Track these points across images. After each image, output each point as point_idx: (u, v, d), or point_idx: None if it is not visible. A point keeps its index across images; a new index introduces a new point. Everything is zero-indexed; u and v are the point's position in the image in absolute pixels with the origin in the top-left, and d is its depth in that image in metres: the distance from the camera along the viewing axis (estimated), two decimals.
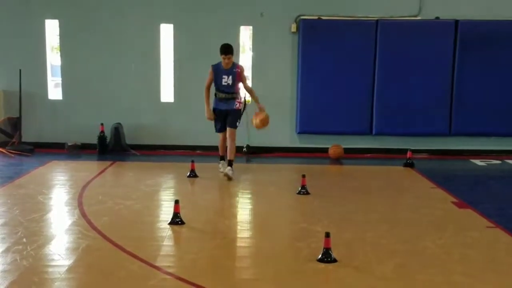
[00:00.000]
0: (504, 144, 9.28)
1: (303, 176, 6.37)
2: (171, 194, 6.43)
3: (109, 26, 9.03)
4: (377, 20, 8.92)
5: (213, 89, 7.26)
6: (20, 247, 4.39)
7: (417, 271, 4.07)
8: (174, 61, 9.20)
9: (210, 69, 7.17)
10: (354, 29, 8.94)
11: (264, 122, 7.16)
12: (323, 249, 4.18)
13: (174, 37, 9.13)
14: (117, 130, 8.93)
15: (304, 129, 9.15)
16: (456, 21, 8.89)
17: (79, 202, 5.79)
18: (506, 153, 9.20)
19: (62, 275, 3.87)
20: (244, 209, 6.02)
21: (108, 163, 8.09)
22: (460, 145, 9.27)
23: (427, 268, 4.12)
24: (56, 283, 3.74)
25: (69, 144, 8.97)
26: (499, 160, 8.89)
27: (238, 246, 4.67)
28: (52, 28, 9.25)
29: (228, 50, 6.94)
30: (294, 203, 6.16)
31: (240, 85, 7.16)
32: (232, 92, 7.11)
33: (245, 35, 9.54)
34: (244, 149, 8.95)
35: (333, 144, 8.89)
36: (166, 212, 5.45)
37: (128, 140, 9.08)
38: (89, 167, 7.85)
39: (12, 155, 8.42)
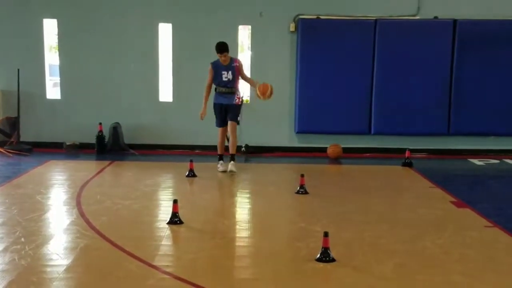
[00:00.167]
0: (502, 143, 9.29)
1: (302, 175, 6.37)
2: (170, 194, 6.42)
3: (108, 26, 9.02)
4: (375, 20, 8.93)
5: (213, 86, 7.45)
6: (19, 246, 4.38)
7: (416, 270, 4.07)
8: (172, 60, 9.20)
9: (209, 67, 7.35)
10: (352, 28, 8.94)
11: (268, 92, 7.17)
12: (322, 248, 4.17)
13: (173, 37, 9.12)
14: (116, 129, 8.92)
15: (302, 129, 9.15)
16: (455, 21, 8.89)
17: (78, 202, 5.78)
18: (504, 152, 9.21)
19: (61, 275, 3.86)
20: (243, 208, 6.01)
21: (107, 162, 8.08)
22: (458, 144, 9.28)
23: (426, 267, 4.12)
24: (54, 283, 3.73)
25: (68, 143, 8.96)
26: (498, 159, 8.89)
27: (237, 246, 4.66)
28: (50, 27, 9.23)
29: (222, 48, 7.15)
30: (293, 203, 6.15)
31: (240, 80, 7.37)
32: (233, 87, 7.32)
33: (244, 34, 9.54)
34: (243, 148, 8.94)
35: (332, 143, 8.89)
36: (164, 211, 5.44)
37: (127, 140, 9.07)
38: (87, 166, 7.84)
39: (11, 155, 8.41)
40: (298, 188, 6.33)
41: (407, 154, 8.27)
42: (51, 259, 4.18)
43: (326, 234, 4.18)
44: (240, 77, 7.40)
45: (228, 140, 7.62)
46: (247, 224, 5.34)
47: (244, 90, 8.24)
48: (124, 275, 3.89)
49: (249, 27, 9.21)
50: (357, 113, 9.05)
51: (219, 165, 7.53)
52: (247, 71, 8.43)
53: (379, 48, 8.91)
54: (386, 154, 9.08)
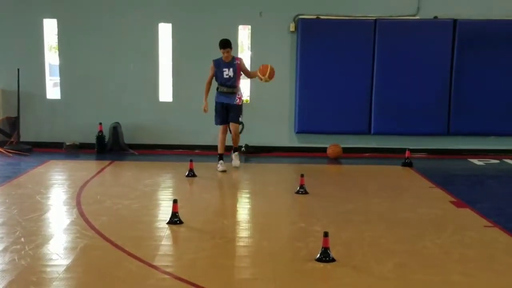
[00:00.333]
0: (502, 143, 9.29)
1: (302, 175, 6.37)
2: (170, 194, 6.42)
3: (108, 26, 9.02)
4: (375, 20, 8.93)
5: (215, 84, 7.62)
6: (18, 246, 4.38)
7: (415, 270, 4.07)
8: (172, 60, 9.20)
9: (211, 64, 7.56)
10: (352, 28, 8.94)
11: (268, 71, 7.35)
12: (322, 248, 4.18)
13: (172, 37, 9.12)
14: (116, 129, 8.92)
15: (302, 129, 9.15)
16: (455, 21, 8.89)
17: (78, 202, 5.78)
18: (504, 152, 9.21)
19: (61, 275, 3.87)
20: (242, 208, 6.02)
21: (107, 162, 8.08)
22: (458, 144, 9.28)
23: (426, 267, 4.12)
24: (54, 283, 3.74)
25: (68, 143, 8.96)
26: (498, 159, 8.90)
27: (236, 246, 4.66)
28: (50, 27, 9.24)
29: (226, 44, 7.40)
30: (293, 203, 6.16)
31: (242, 78, 7.59)
32: (233, 86, 7.48)
33: (244, 34, 9.54)
34: (243, 148, 8.94)
35: (332, 143, 8.89)
36: (164, 211, 5.45)
37: (127, 140, 9.07)
38: (87, 166, 7.84)
39: (10, 155, 8.41)
40: (298, 188, 6.33)
41: (407, 154, 8.27)
42: (51, 259, 4.18)
43: (326, 234, 4.19)
44: (243, 74, 7.60)
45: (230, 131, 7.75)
46: (247, 224, 5.34)
47: (244, 89, 8.26)
48: (124, 275, 3.90)
49: (249, 27, 9.21)
50: (357, 113, 9.05)
51: (219, 165, 7.54)
52: None
53: (379, 48, 8.92)
54: (386, 154, 9.08)
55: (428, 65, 8.93)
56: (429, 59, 8.92)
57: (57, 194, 6.33)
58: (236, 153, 7.85)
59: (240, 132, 8.28)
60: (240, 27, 9.21)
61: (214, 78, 7.61)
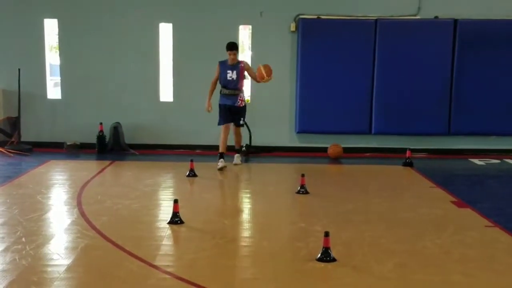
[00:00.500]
0: (503, 143, 9.29)
1: (302, 175, 6.37)
2: (170, 194, 6.42)
3: (109, 26, 9.03)
4: (376, 20, 8.93)
5: (218, 87, 7.83)
6: (19, 246, 4.38)
7: (416, 270, 4.07)
8: (173, 60, 9.20)
9: (217, 65, 7.78)
10: (353, 28, 8.94)
11: (266, 72, 7.57)
12: (322, 248, 4.18)
13: (173, 37, 9.13)
14: (116, 129, 8.93)
15: (303, 129, 9.15)
16: (455, 21, 8.89)
17: (78, 202, 5.78)
18: (505, 152, 9.21)
19: (61, 275, 3.87)
20: (243, 208, 6.02)
21: (107, 162, 8.08)
22: (459, 144, 9.28)
23: (426, 267, 4.12)
24: (55, 283, 3.74)
25: (68, 143, 8.97)
26: (499, 159, 8.89)
27: (237, 246, 4.66)
28: (51, 27, 9.24)
29: (233, 46, 7.67)
30: (293, 203, 6.16)
31: (245, 81, 7.85)
32: (235, 88, 7.70)
33: (245, 34, 9.54)
34: (243, 148, 8.94)
35: (332, 143, 8.89)
36: (165, 211, 5.45)
37: (127, 140, 9.08)
38: (88, 166, 7.85)
39: (11, 155, 8.41)
40: (299, 188, 6.33)
41: (407, 154, 8.27)
42: (52, 259, 4.19)
43: (326, 234, 4.19)
44: (248, 76, 7.90)
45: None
46: (247, 224, 5.35)
47: (245, 89, 8.28)
48: (125, 275, 3.90)
49: (250, 27, 9.22)
50: (358, 113, 9.05)
51: (219, 162, 7.58)
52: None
53: (380, 48, 8.91)
54: (387, 154, 9.08)
55: (428, 65, 8.93)
56: (430, 59, 8.92)
57: (58, 194, 6.34)
58: (238, 154, 8.01)
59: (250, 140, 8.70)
60: (241, 27, 9.21)
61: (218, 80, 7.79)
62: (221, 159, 7.64)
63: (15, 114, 8.96)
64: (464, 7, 8.96)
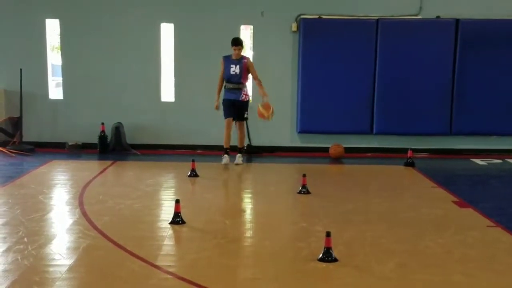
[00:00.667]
0: (505, 143, 9.28)
1: (304, 175, 6.37)
2: (172, 194, 6.43)
3: (110, 26, 9.04)
4: (377, 20, 8.92)
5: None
6: (21, 246, 4.39)
7: (417, 270, 4.07)
8: (174, 60, 9.21)
9: (221, 59, 7.93)
10: (354, 28, 8.94)
11: (269, 113, 7.78)
12: (324, 248, 4.18)
13: (174, 37, 9.14)
14: (118, 129, 8.94)
15: (304, 129, 9.15)
16: (457, 20, 8.88)
17: (80, 202, 5.79)
18: (507, 152, 9.20)
19: (63, 275, 3.88)
20: (244, 208, 6.03)
21: (109, 162, 8.09)
22: (460, 144, 9.27)
23: (427, 267, 4.12)
24: (57, 283, 3.75)
25: (70, 143, 8.98)
26: (500, 159, 8.88)
27: (238, 246, 4.66)
28: (52, 27, 9.26)
29: (237, 41, 7.89)
30: (295, 203, 6.16)
31: (249, 76, 7.99)
32: (239, 82, 7.87)
33: (246, 34, 9.55)
34: (245, 148, 8.94)
35: (334, 143, 8.89)
36: (166, 211, 5.45)
37: (129, 140, 9.09)
38: (89, 166, 7.86)
39: (13, 155, 8.43)
40: (300, 188, 6.33)
41: (409, 154, 8.27)
42: (54, 259, 4.19)
43: (328, 234, 4.19)
44: (249, 75, 7.97)
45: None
46: (249, 224, 5.35)
47: (248, 88, 8.31)
48: (127, 275, 3.90)
49: (251, 27, 9.23)
50: (359, 113, 9.05)
51: (223, 158, 7.76)
52: None
53: (381, 48, 8.91)
54: (388, 154, 9.08)
55: (430, 65, 8.93)
56: (431, 59, 8.92)
57: (60, 194, 6.35)
58: (240, 154, 8.05)
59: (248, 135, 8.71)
60: (242, 27, 9.22)
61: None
62: (225, 155, 7.83)
63: (17, 114, 8.98)
64: (465, 7, 8.95)
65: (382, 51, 8.92)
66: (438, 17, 8.99)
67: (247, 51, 9.64)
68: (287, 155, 9.07)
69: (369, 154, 9.17)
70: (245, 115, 8.06)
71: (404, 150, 8.51)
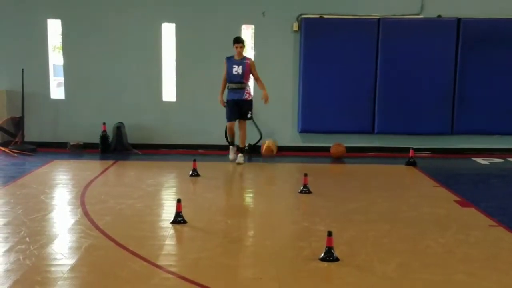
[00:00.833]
0: (507, 142, 9.27)
1: (305, 175, 6.37)
2: (173, 193, 6.43)
3: (111, 26, 9.04)
4: (379, 19, 8.91)
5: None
6: (23, 246, 4.40)
7: (419, 270, 4.07)
8: (176, 60, 9.22)
9: (224, 61, 8.04)
10: (356, 28, 8.93)
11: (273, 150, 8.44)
12: (326, 248, 4.18)
13: (176, 36, 9.14)
14: (119, 129, 8.94)
15: (306, 128, 9.15)
16: (459, 20, 8.87)
17: (82, 202, 5.80)
18: (509, 151, 9.19)
19: (65, 274, 3.88)
20: (246, 208, 6.03)
21: (110, 162, 8.10)
22: (462, 143, 9.26)
23: (429, 267, 4.11)
24: (59, 282, 3.75)
25: (72, 143, 8.99)
26: (502, 158, 8.87)
27: (240, 245, 4.66)
28: (54, 27, 9.26)
29: (239, 39, 8.03)
30: (296, 202, 6.16)
31: (251, 76, 8.09)
32: (241, 82, 7.98)
33: (247, 34, 9.55)
34: (246, 147, 8.94)
35: (335, 143, 8.88)
36: (168, 211, 5.46)
37: (130, 140, 9.09)
38: (91, 166, 7.87)
39: (15, 155, 8.44)
40: (302, 187, 6.33)
41: (410, 153, 8.26)
42: (56, 259, 4.20)
43: (329, 234, 4.19)
44: (251, 75, 8.06)
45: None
46: (250, 224, 5.35)
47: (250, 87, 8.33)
48: (128, 274, 3.91)
49: (252, 26, 9.23)
50: (361, 112, 9.04)
51: (230, 152, 8.11)
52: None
53: (383, 47, 8.90)
54: (390, 154, 9.07)
55: (431, 64, 8.92)
56: (433, 58, 8.90)
57: (61, 194, 6.35)
58: (241, 154, 8.05)
59: (258, 142, 8.89)
60: (243, 26, 9.22)
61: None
62: (231, 147, 8.12)
63: (18, 114, 8.99)
64: (467, 6, 8.94)
65: (383, 51, 8.91)
66: (439, 16, 8.98)
67: (249, 51, 9.65)
68: (288, 154, 9.06)
69: (371, 153, 9.17)
70: (249, 115, 8.08)
71: (406, 150, 8.51)
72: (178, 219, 5.07)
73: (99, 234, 4.75)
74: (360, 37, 8.91)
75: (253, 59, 8.35)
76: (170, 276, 3.90)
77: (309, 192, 6.27)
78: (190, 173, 7.12)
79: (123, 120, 9.09)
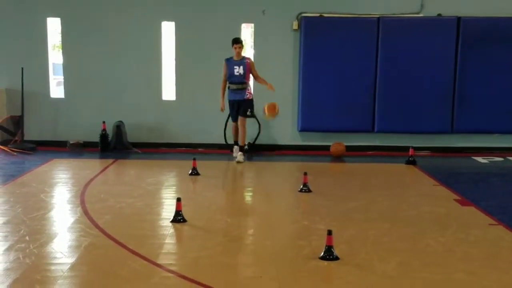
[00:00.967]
0: (506, 141, 9.27)
1: (305, 173, 6.37)
2: (173, 192, 6.43)
3: (111, 24, 9.03)
4: (378, 18, 8.91)
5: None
6: (23, 245, 4.40)
7: (419, 269, 4.07)
8: (175, 59, 9.21)
9: (224, 63, 8.06)
10: (355, 26, 8.92)
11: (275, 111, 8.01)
12: (326, 247, 4.18)
13: (175, 35, 9.13)
14: (119, 128, 8.94)
15: (305, 127, 9.14)
16: (458, 18, 8.87)
17: (81, 200, 5.80)
18: (508, 150, 9.19)
19: (65, 273, 3.88)
20: (245, 206, 6.03)
21: (110, 161, 8.10)
22: (462, 142, 9.26)
23: (429, 266, 4.11)
24: (58, 281, 3.75)
25: (71, 142, 8.99)
26: (502, 157, 8.87)
27: (240, 244, 4.66)
28: (54, 26, 9.25)
29: (238, 40, 8.06)
30: (296, 201, 6.16)
31: (251, 76, 8.14)
32: (243, 82, 8.03)
33: (247, 32, 9.54)
34: (246, 146, 8.94)
35: (335, 141, 8.88)
36: (168, 210, 5.46)
37: (130, 138, 9.09)
38: (91, 165, 7.87)
39: (15, 154, 8.44)
40: (301, 186, 6.33)
41: (410, 152, 8.26)
42: (55, 258, 4.20)
43: (329, 232, 4.19)
44: (251, 75, 8.11)
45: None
46: (250, 222, 5.35)
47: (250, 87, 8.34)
48: (128, 273, 3.91)
49: (252, 25, 9.22)
50: (360, 111, 9.04)
51: (234, 151, 8.22)
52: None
53: (382, 46, 8.90)
54: (390, 152, 9.07)
55: (431, 63, 8.91)
56: (433, 57, 8.90)
57: (61, 192, 6.35)
58: (241, 152, 8.06)
59: (257, 136, 8.90)
60: (243, 25, 9.21)
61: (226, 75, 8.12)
62: (235, 146, 8.19)
63: (18, 113, 8.98)
64: (467, 4, 8.94)
65: (383, 50, 8.90)
66: (439, 15, 8.98)
67: (248, 50, 9.65)
68: (288, 153, 9.06)
69: (370, 152, 9.17)
70: (248, 112, 8.13)
71: (406, 148, 8.50)
72: (178, 218, 5.07)
73: (99, 233, 4.75)
74: (360, 36, 8.90)
75: (252, 59, 8.37)
76: (170, 275, 3.90)
77: (309, 191, 6.27)
78: (190, 172, 7.12)
79: (123, 118, 9.08)
